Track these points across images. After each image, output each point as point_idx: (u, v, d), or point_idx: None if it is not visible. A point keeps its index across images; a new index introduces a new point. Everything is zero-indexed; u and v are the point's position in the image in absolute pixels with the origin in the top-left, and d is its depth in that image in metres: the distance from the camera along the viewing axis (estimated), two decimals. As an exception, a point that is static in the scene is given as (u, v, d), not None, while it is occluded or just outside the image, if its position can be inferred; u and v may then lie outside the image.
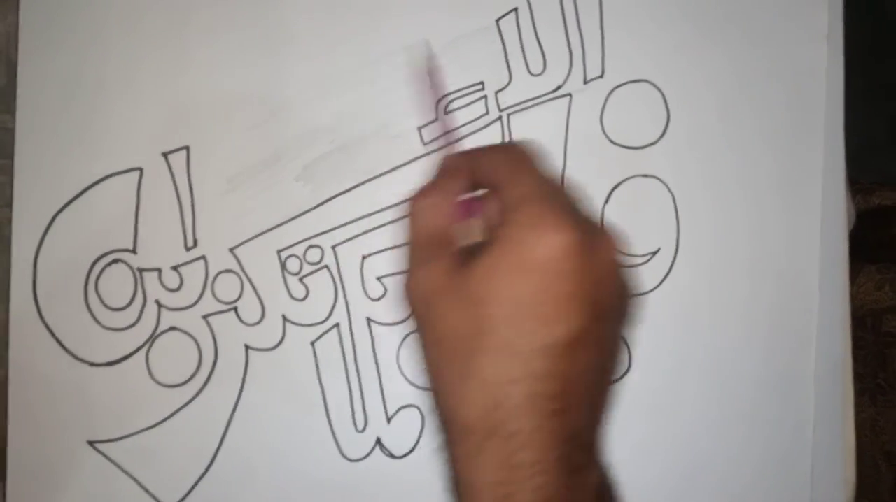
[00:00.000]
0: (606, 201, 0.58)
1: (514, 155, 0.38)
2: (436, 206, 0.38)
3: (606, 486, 0.37)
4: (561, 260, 0.34)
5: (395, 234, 0.57)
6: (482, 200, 0.40)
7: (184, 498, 0.56)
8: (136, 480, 0.56)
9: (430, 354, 0.36)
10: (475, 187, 0.40)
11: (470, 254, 0.36)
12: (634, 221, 0.58)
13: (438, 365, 0.36)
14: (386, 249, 0.57)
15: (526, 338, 0.33)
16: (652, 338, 0.58)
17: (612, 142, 0.58)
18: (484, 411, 0.33)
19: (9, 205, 0.55)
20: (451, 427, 0.35)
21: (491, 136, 0.57)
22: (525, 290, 0.34)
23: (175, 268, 0.56)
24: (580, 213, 0.37)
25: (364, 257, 0.57)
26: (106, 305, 0.55)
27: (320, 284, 0.57)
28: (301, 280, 0.57)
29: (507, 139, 0.57)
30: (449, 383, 0.35)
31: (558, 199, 0.36)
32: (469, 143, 0.56)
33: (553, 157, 0.56)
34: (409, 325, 0.37)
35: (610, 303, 0.35)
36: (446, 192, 0.39)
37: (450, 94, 0.57)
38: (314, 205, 0.57)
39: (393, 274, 0.57)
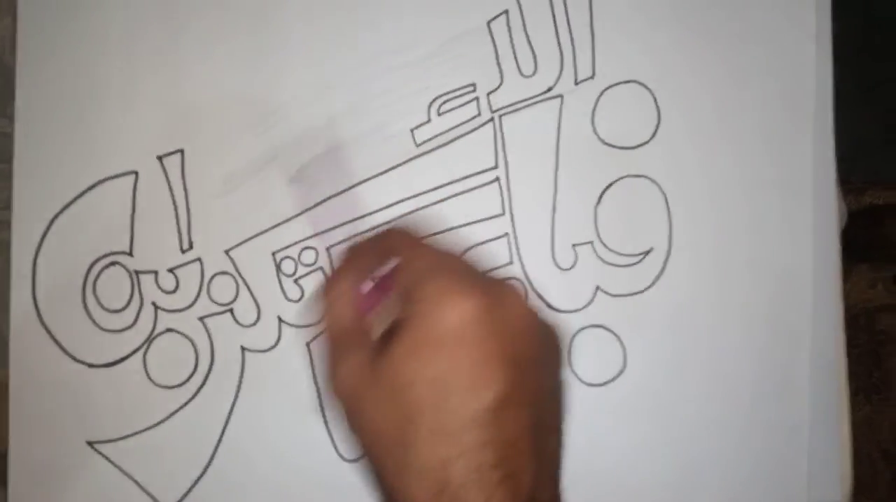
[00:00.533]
0: (598, 202, 0.58)
1: (407, 231, 0.40)
2: (343, 296, 0.39)
3: None
4: (471, 325, 0.33)
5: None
6: (388, 280, 0.40)
7: (182, 498, 0.56)
8: (135, 481, 0.56)
9: (365, 449, 0.36)
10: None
11: (386, 340, 0.36)
12: (626, 221, 0.58)
13: (376, 458, 0.35)
14: (381, 250, 0.57)
15: (454, 414, 0.33)
16: (645, 339, 0.58)
17: (603, 142, 0.58)
18: (429, 497, 0.32)
19: (8, 208, 0.55)
20: None
21: (483, 137, 0.58)
22: (442, 365, 0.33)
23: (171, 270, 0.56)
24: (481, 276, 0.37)
25: (359, 258, 0.57)
26: (104, 307, 0.56)
27: (315, 285, 0.57)
28: (296, 281, 0.57)
29: (498, 142, 0.58)
30: (390, 475, 0.34)
31: (456, 267, 0.36)
32: (462, 145, 0.57)
33: (545, 159, 0.57)
34: (340, 421, 0.37)
35: (531, 356, 0.35)
36: (351, 280, 0.39)
37: (443, 95, 0.58)
38: (308, 206, 0.57)
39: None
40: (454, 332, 0.33)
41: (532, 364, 0.35)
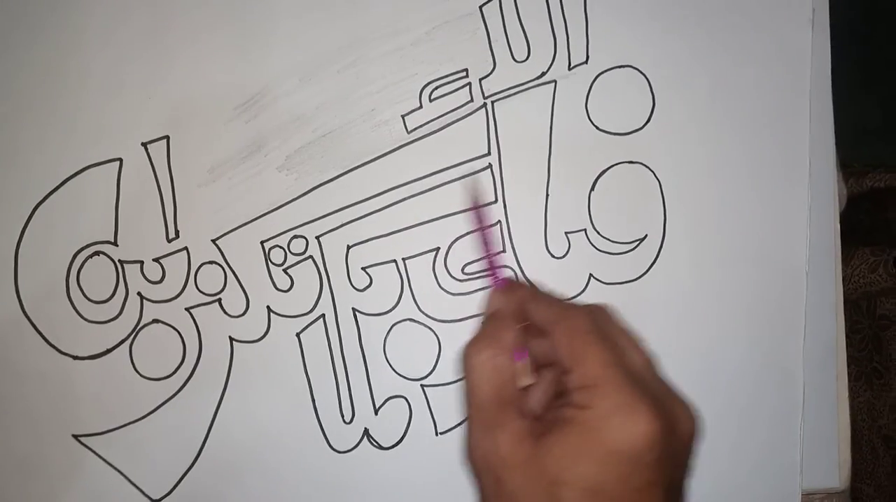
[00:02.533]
0: (592, 188, 0.57)
1: (576, 322, 0.38)
2: (493, 361, 0.38)
3: None
4: (644, 452, 0.33)
5: (380, 225, 0.56)
6: (544, 355, 0.39)
7: (170, 492, 0.56)
8: (122, 473, 0.56)
9: None
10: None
11: (539, 423, 0.36)
12: (620, 208, 0.58)
13: None
14: (371, 239, 0.57)
15: None
16: (639, 326, 0.57)
17: (597, 128, 0.57)
18: None
19: (-12, 197, 0.55)
20: None
21: (475, 124, 0.57)
22: (605, 479, 0.33)
23: (157, 259, 0.55)
24: (658, 388, 0.36)
25: (349, 247, 0.56)
26: (88, 298, 0.55)
27: (305, 275, 0.56)
28: (285, 271, 0.56)
29: (491, 128, 0.57)
30: None
31: (633, 377, 0.36)
32: (454, 131, 0.56)
33: (538, 145, 0.57)
34: (475, 491, 0.36)
35: (683, 475, 0.36)
36: (502, 344, 0.38)
37: (434, 81, 0.57)
38: (298, 194, 0.56)
39: (378, 263, 0.56)
40: (624, 454, 0.34)
41: (681, 482, 0.36)
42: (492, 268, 0.44)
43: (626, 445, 0.33)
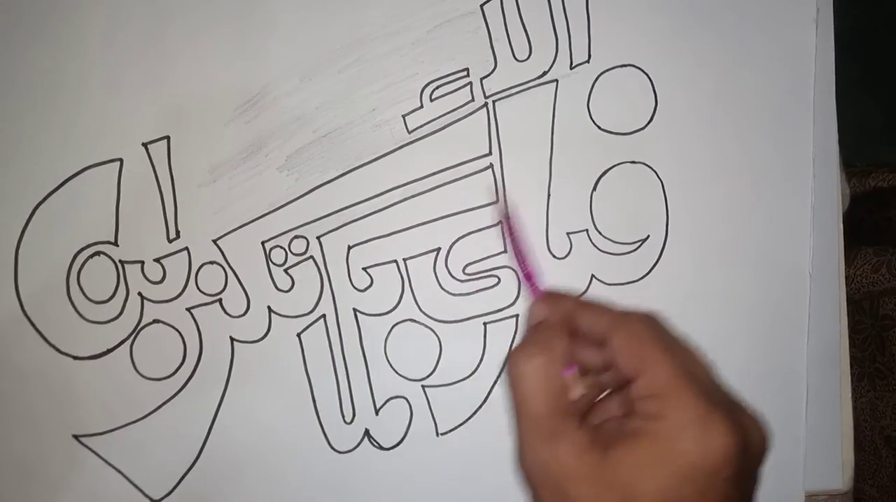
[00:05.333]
0: (594, 188, 0.57)
1: (637, 328, 0.36)
2: (546, 369, 0.36)
3: None
4: (722, 467, 0.33)
5: (381, 225, 0.56)
6: (600, 365, 0.38)
7: (171, 492, 0.56)
8: (122, 474, 0.55)
9: None
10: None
11: (599, 434, 0.35)
12: (622, 208, 0.57)
13: None
14: (372, 239, 0.56)
15: None
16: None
17: (599, 128, 0.57)
18: None
19: (-12, 197, 0.55)
20: None
21: (477, 123, 0.57)
22: (682, 494, 0.33)
23: (157, 260, 0.55)
24: (726, 399, 0.35)
25: (350, 247, 0.56)
26: (89, 298, 0.55)
27: (306, 275, 0.56)
28: (286, 271, 0.56)
29: (492, 128, 0.56)
30: None
31: (703, 387, 0.35)
32: (455, 131, 0.56)
33: (539, 145, 0.56)
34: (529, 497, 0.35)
35: (755, 488, 0.35)
36: (554, 352, 0.37)
37: (435, 80, 0.57)
38: (298, 194, 0.56)
39: (379, 264, 0.56)
40: (701, 469, 0.33)
41: (753, 491, 0.35)
42: (531, 279, 0.42)
43: (704, 460, 0.33)
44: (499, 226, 0.56)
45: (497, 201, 0.56)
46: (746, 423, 0.35)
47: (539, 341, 0.37)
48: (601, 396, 0.38)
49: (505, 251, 0.57)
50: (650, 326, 0.37)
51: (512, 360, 0.37)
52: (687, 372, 0.35)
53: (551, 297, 0.41)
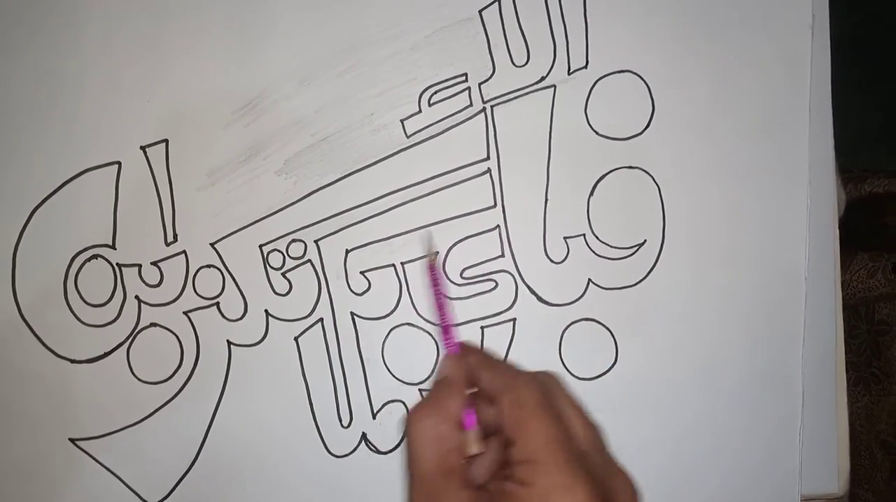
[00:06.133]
0: (591, 193, 0.57)
1: (522, 393, 0.37)
2: (435, 429, 0.37)
3: None
4: None
5: (379, 229, 0.56)
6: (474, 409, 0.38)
7: (167, 496, 0.56)
8: (119, 478, 0.55)
9: None
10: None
11: (484, 493, 0.36)
12: (620, 214, 0.57)
13: None
14: (370, 243, 0.56)
15: None
16: (637, 333, 0.57)
17: (596, 133, 0.57)
18: None
19: (-15, 200, 0.55)
20: None
21: (475, 128, 0.57)
22: None
23: (155, 263, 0.55)
24: (599, 464, 0.36)
25: (348, 251, 0.56)
26: (86, 302, 0.55)
27: (303, 279, 0.56)
28: (284, 275, 0.56)
29: (490, 133, 0.57)
30: None
31: (575, 454, 0.35)
32: (453, 136, 0.56)
33: (537, 150, 0.57)
34: None
35: None
36: (447, 412, 0.37)
37: (433, 85, 0.57)
38: (297, 198, 0.56)
39: (377, 268, 0.56)
40: None
41: None
42: (447, 333, 0.43)
43: None
44: (426, 272, 0.55)
45: (430, 249, 0.55)
46: (615, 489, 0.36)
47: (434, 400, 0.38)
48: (478, 453, 0.39)
49: (503, 255, 0.57)
50: (537, 392, 0.37)
51: (407, 419, 0.38)
52: (562, 439, 0.36)
53: (460, 354, 0.41)
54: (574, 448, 0.36)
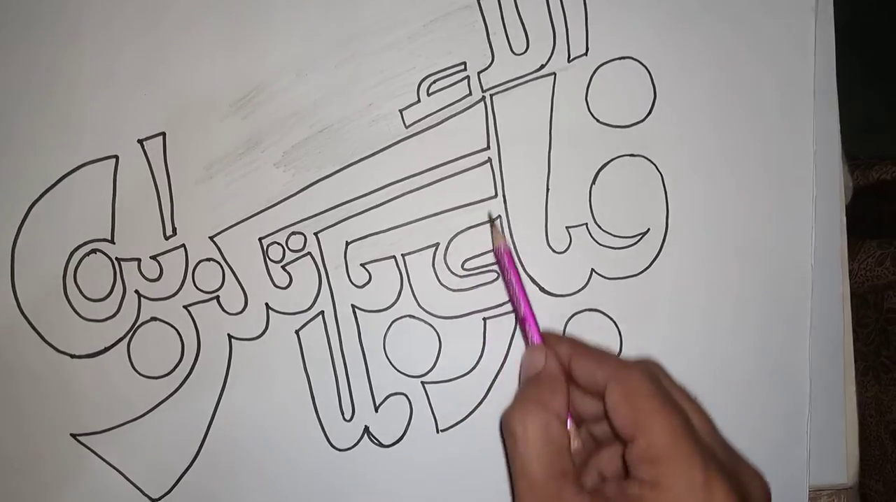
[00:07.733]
0: (593, 182, 0.57)
1: (636, 384, 0.35)
2: (546, 430, 0.34)
3: None
4: None
5: (379, 220, 0.56)
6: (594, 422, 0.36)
7: (170, 491, 0.55)
8: (121, 472, 0.55)
9: None
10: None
11: (600, 500, 0.33)
12: (622, 203, 0.57)
13: None
14: (370, 235, 0.56)
15: None
16: (641, 323, 0.57)
17: (598, 121, 0.57)
18: None
19: (-17, 195, 0.54)
20: None
21: (474, 118, 0.56)
22: None
23: (154, 257, 0.55)
24: (727, 458, 0.34)
25: (348, 243, 0.56)
26: (85, 296, 0.54)
27: (304, 271, 0.56)
28: (284, 267, 0.56)
29: (490, 122, 0.56)
30: None
31: (703, 448, 0.33)
32: (452, 125, 0.56)
33: (538, 139, 0.56)
34: None
35: None
36: (554, 410, 0.35)
37: (432, 74, 0.56)
38: (296, 190, 0.56)
39: (378, 260, 0.56)
40: None
41: None
42: (530, 323, 0.39)
43: None
44: (498, 262, 0.54)
45: (500, 236, 0.54)
46: (747, 483, 0.33)
47: (535, 397, 0.36)
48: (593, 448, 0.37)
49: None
50: (648, 381, 0.35)
51: (509, 420, 0.35)
52: (686, 433, 0.33)
53: (548, 343, 0.39)
54: (700, 440, 0.33)
